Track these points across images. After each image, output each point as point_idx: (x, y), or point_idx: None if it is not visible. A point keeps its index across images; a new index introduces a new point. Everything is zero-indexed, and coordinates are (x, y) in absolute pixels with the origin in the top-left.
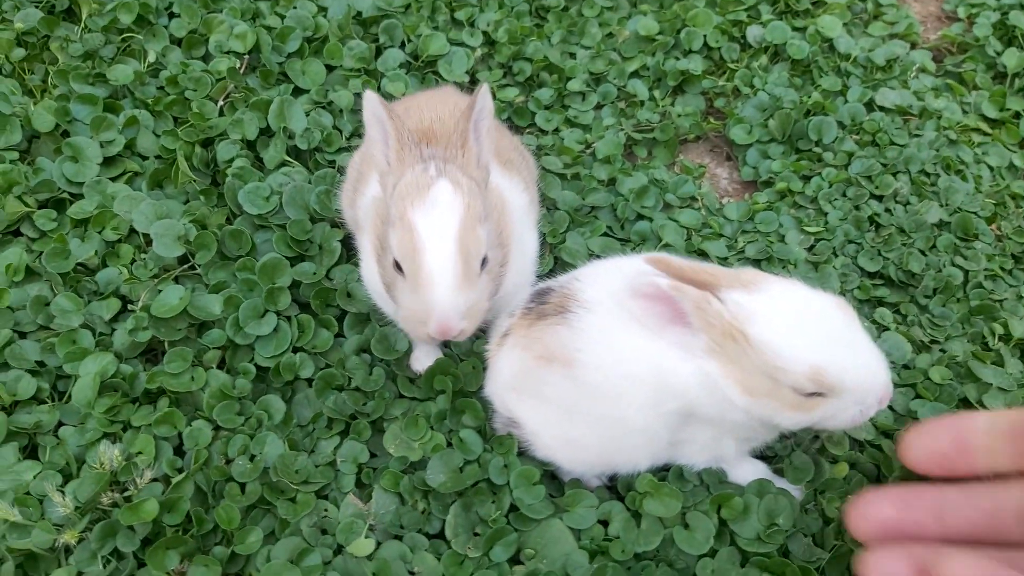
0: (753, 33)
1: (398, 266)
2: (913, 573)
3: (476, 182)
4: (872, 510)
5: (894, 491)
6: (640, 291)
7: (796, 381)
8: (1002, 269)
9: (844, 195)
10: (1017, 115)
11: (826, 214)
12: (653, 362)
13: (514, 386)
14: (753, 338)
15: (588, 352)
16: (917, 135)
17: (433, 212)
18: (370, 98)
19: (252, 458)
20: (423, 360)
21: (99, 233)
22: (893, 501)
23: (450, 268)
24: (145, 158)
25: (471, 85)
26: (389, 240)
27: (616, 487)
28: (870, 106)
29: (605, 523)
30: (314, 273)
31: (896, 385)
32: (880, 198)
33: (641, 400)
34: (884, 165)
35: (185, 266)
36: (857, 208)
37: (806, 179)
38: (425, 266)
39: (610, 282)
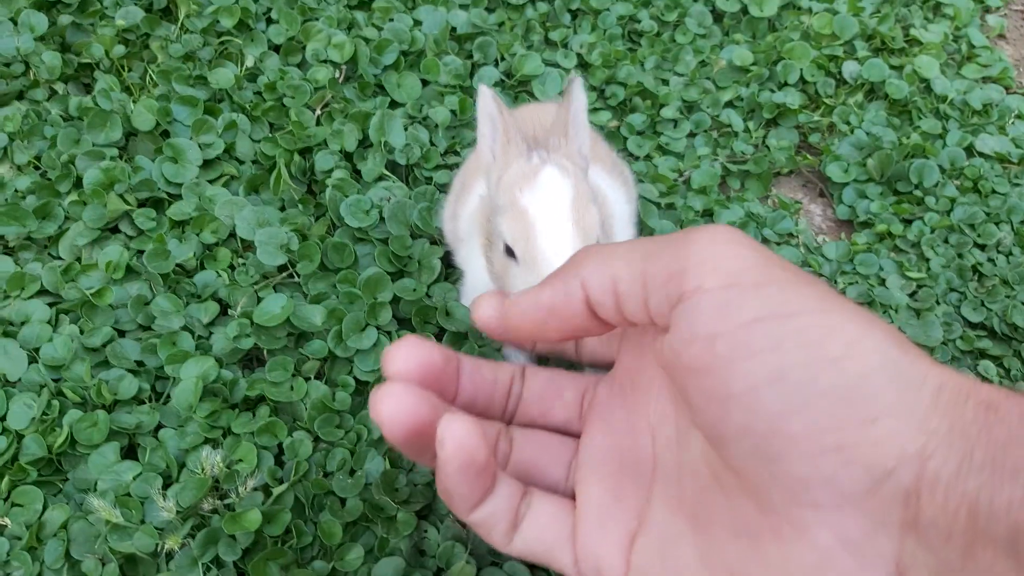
0: (849, 69)
1: (510, 252)
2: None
3: (581, 169)
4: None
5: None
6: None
7: None
8: None
9: (946, 242)
10: None
11: (928, 260)
12: None
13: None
14: None
15: None
16: (1017, 184)
17: (543, 194)
18: (484, 93)
19: (352, 473)
20: None
21: (197, 235)
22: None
23: (567, 245)
24: (242, 162)
25: None
26: (498, 228)
27: None
28: (969, 151)
29: None
30: (414, 289)
31: None
32: (983, 247)
33: None
34: (987, 213)
35: (283, 274)
36: (960, 256)
37: (907, 223)
38: (540, 246)
39: None
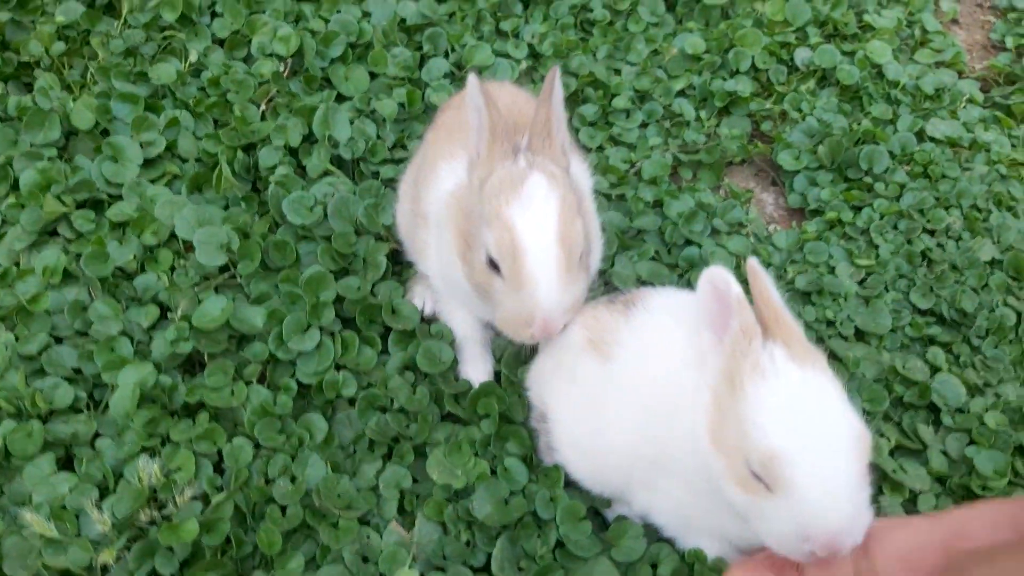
0: (801, 56)
1: (493, 265)
2: None
3: (564, 170)
4: None
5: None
6: (714, 280)
7: (750, 453)
8: None
9: (896, 228)
10: None
11: (877, 247)
12: (678, 380)
13: (558, 361)
14: (747, 391)
15: (628, 349)
16: (967, 168)
17: (530, 208)
18: (473, 83)
19: (293, 479)
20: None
21: (138, 237)
22: None
23: (554, 267)
24: (185, 160)
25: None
26: (482, 238)
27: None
28: (920, 136)
29: (654, 565)
30: (358, 288)
31: (951, 430)
32: (932, 232)
33: (651, 407)
34: (936, 199)
35: (226, 275)
36: (909, 242)
37: (856, 209)
38: (527, 266)
39: (684, 304)
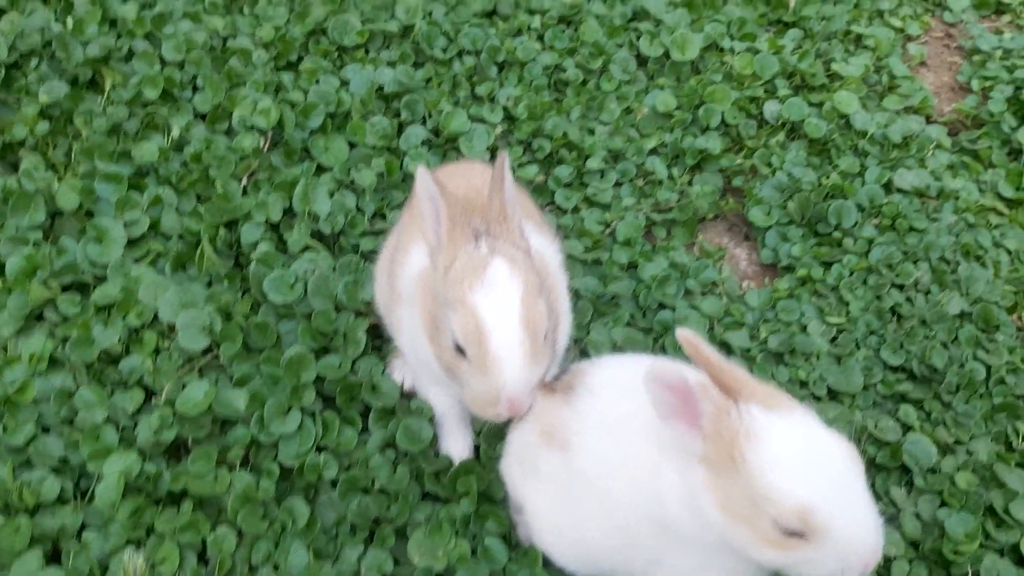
0: (770, 109)
1: (459, 349)
2: None
3: (525, 252)
4: None
5: None
6: (662, 377)
7: (781, 514)
8: (1023, 362)
9: (865, 283)
10: None
11: (847, 304)
12: (642, 460)
13: (520, 460)
14: (750, 460)
15: (583, 437)
16: (935, 218)
17: (493, 293)
18: (423, 175)
19: (276, 567)
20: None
21: (123, 319)
22: None
23: (518, 349)
24: (168, 238)
25: (493, 162)
26: (447, 322)
27: None
28: (888, 187)
29: None
30: (339, 366)
31: (922, 491)
32: (901, 287)
33: (623, 497)
34: (904, 253)
35: (208, 356)
36: (879, 298)
37: (827, 265)
38: (492, 350)
39: (622, 374)
